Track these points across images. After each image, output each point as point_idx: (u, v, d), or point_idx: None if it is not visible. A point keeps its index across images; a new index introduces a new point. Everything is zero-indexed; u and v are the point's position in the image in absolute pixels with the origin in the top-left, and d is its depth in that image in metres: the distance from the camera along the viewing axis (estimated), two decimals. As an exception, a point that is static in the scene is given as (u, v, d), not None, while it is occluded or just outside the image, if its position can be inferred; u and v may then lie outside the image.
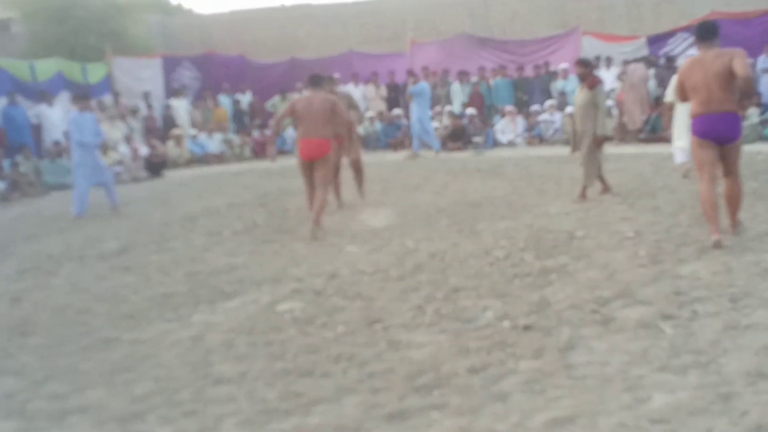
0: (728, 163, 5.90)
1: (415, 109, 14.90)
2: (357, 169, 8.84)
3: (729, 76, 5.58)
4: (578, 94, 8.48)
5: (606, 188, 8.52)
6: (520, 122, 15.71)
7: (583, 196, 8.22)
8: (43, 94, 15.05)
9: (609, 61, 16.46)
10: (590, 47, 17.29)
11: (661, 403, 3.22)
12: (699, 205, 6.24)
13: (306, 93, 7.78)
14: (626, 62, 15.52)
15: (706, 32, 5.85)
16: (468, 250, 6.32)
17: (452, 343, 4.14)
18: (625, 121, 14.46)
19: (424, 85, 15.36)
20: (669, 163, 10.03)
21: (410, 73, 16.64)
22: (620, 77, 14.56)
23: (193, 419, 3.50)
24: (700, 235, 6.12)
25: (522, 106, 16.20)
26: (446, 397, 3.48)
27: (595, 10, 20.65)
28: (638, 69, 14.61)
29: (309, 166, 7.68)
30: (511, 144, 15.24)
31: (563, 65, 16.15)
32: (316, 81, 7.76)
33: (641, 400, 3.27)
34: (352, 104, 8.51)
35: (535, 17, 21.11)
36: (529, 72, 17.07)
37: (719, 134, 5.78)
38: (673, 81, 9.72)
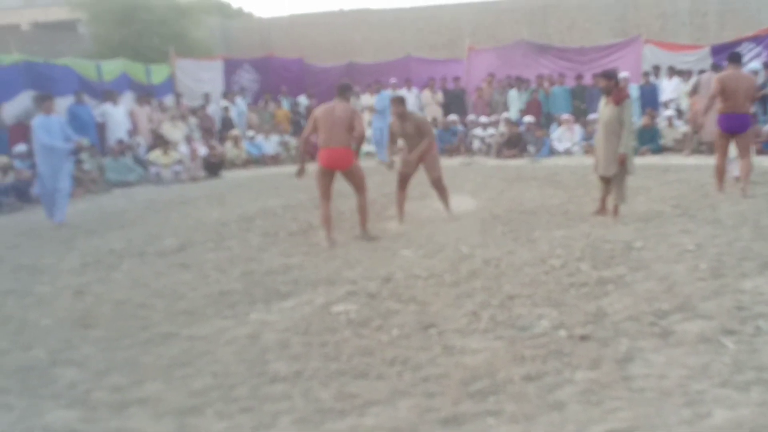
0: (741, 147, 8.91)
1: (376, 118, 15.55)
2: (439, 188, 8.51)
3: (751, 90, 8.97)
4: (602, 109, 7.85)
5: (603, 209, 8.06)
6: (578, 131, 15.51)
7: (616, 213, 7.85)
8: (108, 93, 15.43)
9: (672, 71, 16.15)
10: (652, 56, 17.02)
11: (722, 419, 3.16)
12: (761, 218, 7.29)
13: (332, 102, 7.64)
14: (701, 71, 15.15)
15: (737, 58, 9.29)
16: (523, 257, 6.27)
17: (507, 350, 4.12)
18: (696, 131, 13.96)
19: (386, 95, 15.73)
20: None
21: (373, 84, 17.02)
22: (695, 88, 14.15)
23: (250, 415, 3.56)
24: (763, 250, 5.97)
25: (580, 115, 16.00)
26: (501, 404, 3.47)
27: (657, 19, 20.32)
28: (712, 79, 14.09)
29: (330, 175, 7.57)
30: (567, 152, 15.06)
31: (624, 74, 15.90)
32: (344, 90, 7.71)
33: (701, 416, 3.21)
34: (424, 130, 8.26)
35: (594, 26, 20.87)
36: (588, 80, 16.85)
37: (737, 128, 8.85)
38: None
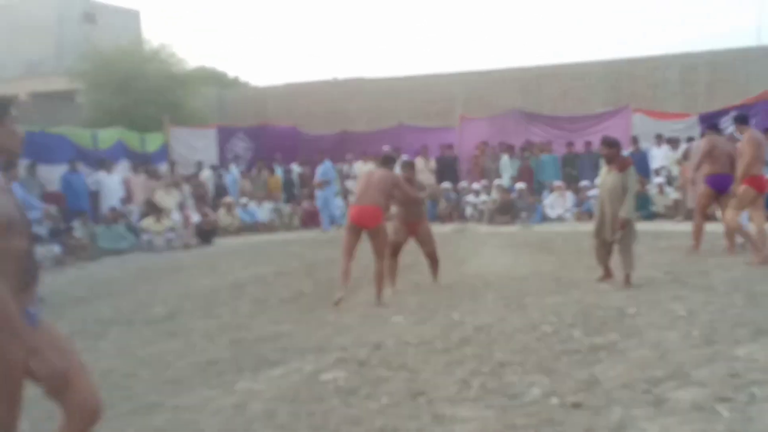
0: (725, 204, 9.43)
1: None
2: (433, 260, 8.52)
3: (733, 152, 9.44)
4: (604, 176, 7.84)
5: (608, 275, 7.99)
6: (569, 197, 15.63)
7: (628, 282, 7.71)
8: (103, 161, 15.53)
9: (660, 139, 16.38)
10: (641, 124, 17.27)
11: (717, 491, 3.07)
12: (754, 285, 7.32)
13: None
14: (690, 139, 15.38)
15: (716, 126, 10.27)
16: (515, 324, 6.22)
17: (498, 419, 4.04)
18: (685, 198, 14.06)
19: (328, 165, 16.35)
20: (723, 241, 9.84)
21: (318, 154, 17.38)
22: (686, 155, 14.30)
23: (232, 488, 3.46)
24: (756, 316, 5.94)
25: (571, 182, 16.14)
26: (491, 476, 3.38)
27: (649, 88, 20.70)
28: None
29: (357, 232, 7.66)
30: (560, 219, 15.13)
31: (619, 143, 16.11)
32: (386, 160, 8.13)
33: (696, 487, 3.12)
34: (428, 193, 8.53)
35: (588, 94, 21.25)
36: (578, 148, 17.05)
37: (725, 187, 9.42)
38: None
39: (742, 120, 9.54)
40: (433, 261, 8.51)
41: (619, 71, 21.49)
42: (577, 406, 4.17)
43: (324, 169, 16.28)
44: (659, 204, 14.80)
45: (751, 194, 9.01)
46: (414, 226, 8.34)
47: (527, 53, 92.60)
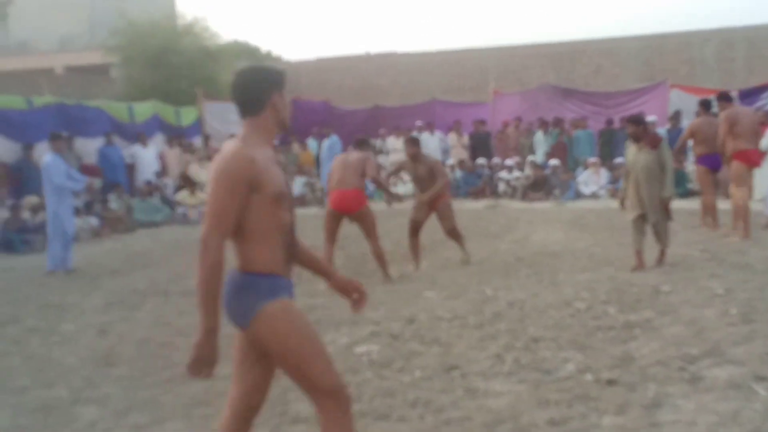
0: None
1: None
2: (455, 236, 8.38)
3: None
4: (636, 154, 7.51)
5: (641, 264, 7.49)
6: (604, 174, 15.45)
7: (662, 259, 7.55)
8: (139, 135, 15.70)
9: (698, 115, 16.07)
10: (678, 100, 16.94)
11: (754, 468, 3.06)
12: None
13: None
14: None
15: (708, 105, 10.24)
16: (548, 300, 6.20)
17: (531, 394, 4.05)
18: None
19: (334, 139, 16.35)
20: (761, 219, 9.69)
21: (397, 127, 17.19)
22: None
23: (269, 456, 3.51)
24: (795, 295, 5.85)
25: (606, 158, 15.94)
26: (525, 449, 3.40)
27: (684, 64, 20.35)
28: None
29: (338, 218, 7.60)
30: (594, 196, 14.98)
31: (651, 118, 15.84)
32: (360, 143, 8.05)
33: (732, 464, 3.11)
34: (437, 172, 8.16)
35: (621, 70, 20.95)
36: (616, 124, 16.83)
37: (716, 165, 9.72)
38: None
39: (724, 98, 9.70)
40: (456, 238, 8.41)
41: (653, 47, 21.12)
42: (611, 382, 4.17)
43: (330, 143, 16.15)
44: (695, 181, 14.56)
45: (743, 168, 9.10)
46: (434, 202, 8.24)
47: (560, 28, 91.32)
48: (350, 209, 7.50)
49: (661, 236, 7.52)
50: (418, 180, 8.26)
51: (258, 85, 2.77)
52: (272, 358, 2.70)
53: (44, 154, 9.46)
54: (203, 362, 2.59)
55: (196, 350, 2.57)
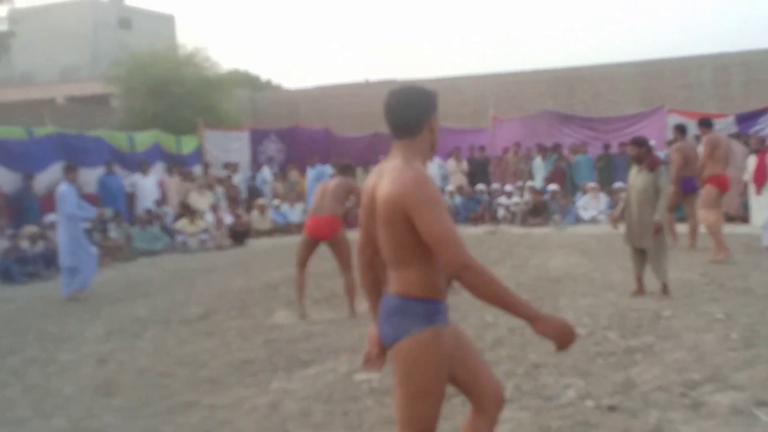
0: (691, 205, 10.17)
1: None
2: None
3: None
4: (634, 176, 7.42)
5: (641, 290, 7.44)
6: (603, 199, 15.48)
7: (665, 293, 7.21)
8: (141, 164, 15.74)
9: (697, 139, 16.11)
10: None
11: (757, 495, 3.03)
12: None
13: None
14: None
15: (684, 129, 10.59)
16: (549, 326, 6.17)
17: (533, 421, 4.03)
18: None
19: (321, 169, 16.23)
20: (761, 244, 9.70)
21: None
22: None
23: (269, 486, 3.48)
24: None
25: (605, 183, 15.98)
26: (526, 477, 3.37)
27: (682, 90, 20.46)
28: (735, 147, 13.99)
29: (312, 245, 7.49)
30: (593, 220, 15.00)
31: (650, 142, 15.91)
32: (344, 169, 7.85)
33: (735, 491, 3.09)
34: None
35: (619, 96, 21.07)
36: (614, 149, 16.89)
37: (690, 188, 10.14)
38: (752, 161, 9.64)
39: (705, 124, 10.03)
40: None
41: (651, 72, 21.26)
42: (613, 408, 4.15)
43: (317, 172, 16.02)
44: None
45: (715, 192, 9.44)
46: None
47: (558, 54, 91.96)
48: (323, 236, 7.37)
49: (657, 268, 7.26)
50: None
51: (417, 106, 2.72)
52: (397, 378, 2.65)
53: (59, 184, 9.57)
54: (567, 333, 2.60)
55: (553, 331, 2.58)
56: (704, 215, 9.49)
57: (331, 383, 5.00)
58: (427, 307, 2.61)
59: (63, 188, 9.28)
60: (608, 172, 16.37)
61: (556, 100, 20.72)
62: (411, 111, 2.70)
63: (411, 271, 2.59)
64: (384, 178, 2.64)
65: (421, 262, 2.58)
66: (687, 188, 10.27)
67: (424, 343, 2.57)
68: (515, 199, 16.21)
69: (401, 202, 2.50)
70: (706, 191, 9.55)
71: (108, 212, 12.51)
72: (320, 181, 15.58)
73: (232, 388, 5.09)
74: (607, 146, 16.88)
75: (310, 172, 16.22)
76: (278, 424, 4.30)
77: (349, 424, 4.19)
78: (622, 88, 21.31)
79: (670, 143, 16.35)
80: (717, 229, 9.27)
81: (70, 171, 9.52)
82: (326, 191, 7.49)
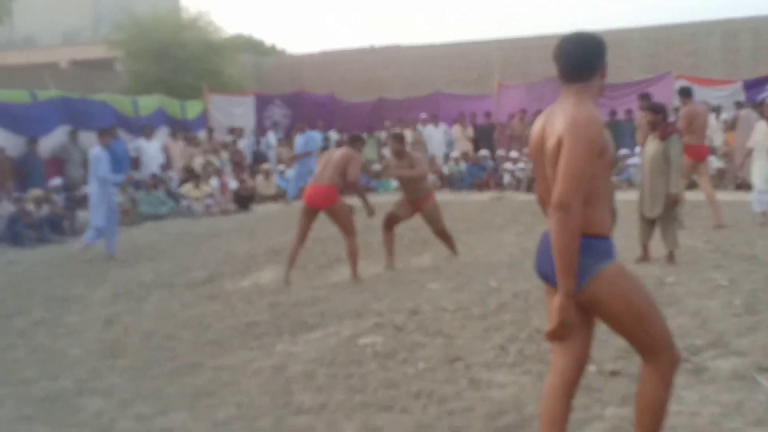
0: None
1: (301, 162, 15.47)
2: (444, 237, 8.14)
3: None
4: (647, 145, 7.33)
5: (646, 257, 7.42)
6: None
7: (671, 260, 7.20)
8: (145, 128, 15.69)
9: (706, 106, 15.98)
10: (683, 91, 16.90)
11: (756, 458, 3.06)
12: None
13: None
14: (738, 105, 15.02)
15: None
16: (553, 292, 6.18)
17: (535, 385, 4.05)
18: (732, 167, 13.87)
19: (312, 135, 15.94)
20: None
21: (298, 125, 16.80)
22: (732, 123, 14.00)
23: (273, 447, 3.52)
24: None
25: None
26: (528, 439, 3.40)
27: (689, 56, 20.27)
28: (751, 115, 13.84)
29: (310, 214, 7.45)
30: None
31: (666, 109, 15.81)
32: (353, 140, 7.80)
33: (735, 454, 3.11)
34: (416, 164, 7.78)
35: (625, 63, 20.85)
36: (621, 116, 16.77)
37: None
38: (761, 127, 9.54)
39: (685, 94, 9.87)
40: (445, 238, 8.15)
41: (658, 38, 21.05)
42: (615, 373, 4.17)
43: (306, 138, 15.86)
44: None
45: (689, 162, 9.20)
46: (419, 203, 7.93)
47: (564, 20, 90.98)
48: (319, 205, 7.31)
49: (666, 236, 7.22)
50: (405, 181, 7.92)
51: (593, 51, 2.79)
52: (607, 317, 2.72)
53: (93, 147, 9.86)
54: (567, 325, 2.61)
55: (560, 314, 2.59)
56: None
57: (334, 347, 5.03)
58: (606, 243, 2.70)
59: (96, 151, 9.47)
60: (614, 138, 16.21)
61: (562, 66, 20.50)
62: (587, 55, 2.79)
63: (586, 210, 2.62)
64: (556, 120, 2.69)
65: (593, 201, 2.64)
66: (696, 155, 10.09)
67: (616, 274, 2.66)
68: (521, 165, 16.17)
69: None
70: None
71: (137, 176, 12.59)
72: (308, 147, 15.53)
73: (236, 351, 5.13)
74: (613, 113, 16.77)
75: (300, 138, 15.94)
76: (282, 386, 4.33)
77: (352, 387, 4.22)
78: (629, 55, 21.09)
79: (677, 110, 16.28)
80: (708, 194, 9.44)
81: (104, 135, 9.75)
82: (330, 161, 7.46)
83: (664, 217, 7.19)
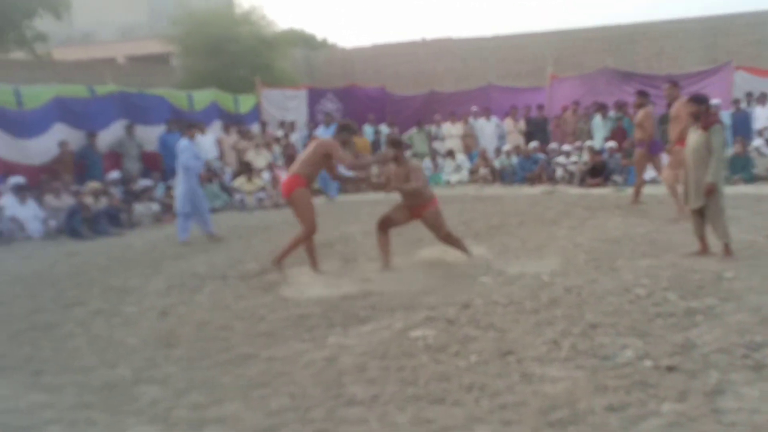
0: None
1: None
2: (450, 243, 7.81)
3: None
4: (690, 135, 7.29)
5: (704, 249, 7.27)
6: (664, 159, 15.07)
7: (728, 253, 7.03)
8: (198, 124, 15.89)
9: (764, 97, 15.57)
10: (743, 82, 16.47)
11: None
12: None
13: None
14: None
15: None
16: (606, 286, 6.10)
17: (589, 380, 4.00)
18: None
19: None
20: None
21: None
22: None
23: (325, 437, 3.55)
24: None
25: (667, 143, 15.54)
26: (582, 435, 3.36)
27: (750, 46, 19.73)
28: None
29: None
30: (654, 181, 14.66)
31: (715, 101, 15.41)
32: (339, 130, 7.94)
33: (798, 454, 3.02)
34: (414, 175, 7.48)
35: (683, 53, 20.43)
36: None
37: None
38: None
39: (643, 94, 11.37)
40: (452, 243, 7.82)
41: (717, 28, 20.52)
42: (671, 369, 4.09)
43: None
44: (761, 166, 14.13)
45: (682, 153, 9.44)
46: (418, 209, 7.67)
47: (620, 10, 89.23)
48: (283, 194, 7.55)
49: (716, 228, 7.09)
50: (398, 182, 7.67)
51: None
52: None
53: (180, 139, 10.69)
54: None
55: None
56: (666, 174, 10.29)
57: (386, 339, 5.04)
58: None
59: (183, 142, 10.35)
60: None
61: (617, 58, 20.15)
62: None
63: None
64: None
65: None
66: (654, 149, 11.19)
67: None
68: (573, 158, 15.94)
69: None
70: (676, 152, 9.71)
71: (213, 163, 12.92)
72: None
73: (288, 342, 5.18)
74: (669, 105, 16.37)
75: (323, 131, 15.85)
76: (334, 377, 4.36)
77: (403, 380, 4.23)
78: (687, 45, 20.64)
79: (736, 102, 15.88)
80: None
81: (190, 128, 10.72)
82: (305, 151, 7.62)
83: (709, 208, 7.10)
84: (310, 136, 18.30)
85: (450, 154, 17.67)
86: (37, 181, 12.46)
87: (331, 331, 5.39)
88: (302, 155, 7.63)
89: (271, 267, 7.56)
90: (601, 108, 16.86)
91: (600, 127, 16.70)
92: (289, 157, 16.95)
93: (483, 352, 4.60)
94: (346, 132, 7.85)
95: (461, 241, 7.92)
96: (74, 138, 13.67)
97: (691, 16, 21.92)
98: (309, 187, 7.62)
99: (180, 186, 10.43)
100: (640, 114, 11.12)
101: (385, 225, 7.72)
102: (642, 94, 11.30)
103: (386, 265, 7.61)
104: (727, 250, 7.08)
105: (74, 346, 5.45)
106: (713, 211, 7.08)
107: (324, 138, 7.62)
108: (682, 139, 9.22)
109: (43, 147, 13.13)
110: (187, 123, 11.13)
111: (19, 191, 11.70)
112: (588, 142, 16.06)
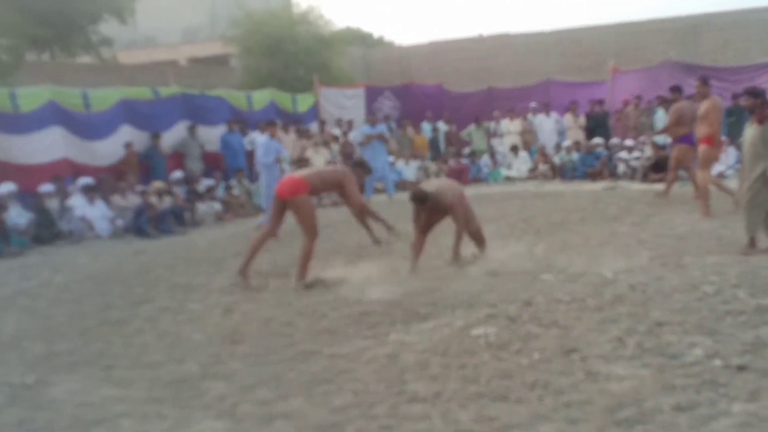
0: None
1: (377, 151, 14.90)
2: (477, 239, 7.80)
3: None
4: (747, 130, 7.18)
5: (752, 244, 7.08)
6: (732, 153, 14.70)
7: (752, 246, 7.00)
8: (258, 124, 16.13)
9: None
10: (814, 74, 15.92)
11: None
12: None
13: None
14: None
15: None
16: (673, 283, 5.97)
17: (656, 379, 3.93)
18: None
19: (382, 127, 15.54)
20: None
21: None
22: None
23: (389, 434, 3.57)
24: None
25: (735, 137, 15.13)
26: (650, 434, 3.30)
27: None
28: None
29: (279, 206, 7.28)
30: (721, 176, 14.28)
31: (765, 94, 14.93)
32: (356, 165, 8.00)
33: None
34: (445, 204, 7.47)
35: (751, 44, 19.83)
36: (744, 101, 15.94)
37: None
38: None
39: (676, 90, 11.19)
40: (478, 240, 7.80)
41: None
42: (742, 368, 3.99)
43: (374, 129, 15.43)
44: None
45: (710, 152, 9.78)
46: (444, 211, 7.62)
47: (681, 3, 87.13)
48: (284, 193, 7.16)
49: (749, 220, 6.99)
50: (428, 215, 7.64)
51: None
52: None
53: (258, 137, 11.92)
54: None
55: None
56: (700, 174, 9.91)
57: (447, 337, 5.04)
58: None
59: (262, 140, 11.28)
60: (739, 125, 15.47)
61: (679, 50, 19.68)
62: None
63: None
64: None
65: None
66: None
67: None
68: (636, 153, 15.65)
69: None
70: (703, 151, 9.71)
71: (283, 157, 13.27)
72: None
73: (351, 339, 5.23)
74: (736, 97, 15.94)
75: (366, 128, 15.81)
76: (397, 374, 4.38)
77: (465, 377, 4.22)
78: (755, 36, 20.01)
79: None
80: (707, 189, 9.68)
81: (269, 126, 11.66)
82: (325, 168, 7.75)
83: (750, 199, 7.02)
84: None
85: (514, 149, 17.55)
86: (99, 181, 12.78)
87: (392, 328, 5.42)
88: (321, 168, 7.66)
89: (297, 285, 7.10)
90: (664, 102, 16.47)
91: (663, 121, 16.31)
92: (347, 156, 17.05)
93: (546, 350, 4.56)
94: (361, 170, 7.88)
95: (485, 240, 7.90)
96: (139, 139, 14.02)
97: (757, 6, 21.29)
98: (310, 197, 7.37)
99: (262, 181, 11.21)
100: (705, 105, 9.77)
101: (425, 228, 7.72)
102: (703, 82, 10.02)
103: (414, 266, 7.52)
104: (752, 244, 7.04)
105: (143, 342, 5.60)
106: (753, 202, 6.99)
107: (347, 170, 7.48)
108: (710, 138, 9.47)
109: (110, 149, 13.50)
110: (267, 121, 11.96)
111: (88, 192, 12.06)
112: (657, 138, 15.70)
